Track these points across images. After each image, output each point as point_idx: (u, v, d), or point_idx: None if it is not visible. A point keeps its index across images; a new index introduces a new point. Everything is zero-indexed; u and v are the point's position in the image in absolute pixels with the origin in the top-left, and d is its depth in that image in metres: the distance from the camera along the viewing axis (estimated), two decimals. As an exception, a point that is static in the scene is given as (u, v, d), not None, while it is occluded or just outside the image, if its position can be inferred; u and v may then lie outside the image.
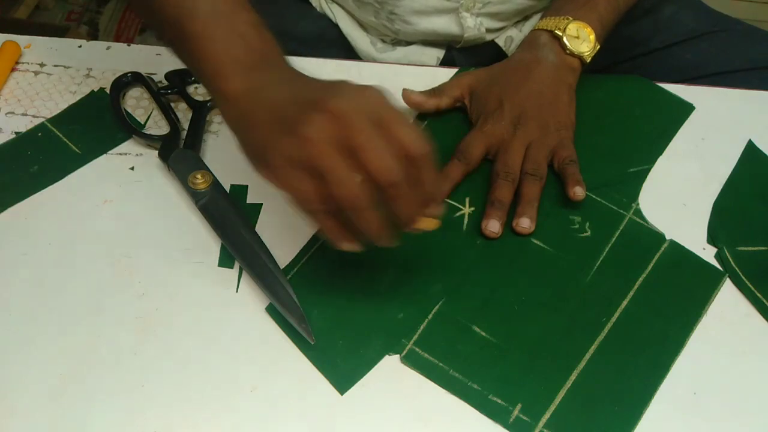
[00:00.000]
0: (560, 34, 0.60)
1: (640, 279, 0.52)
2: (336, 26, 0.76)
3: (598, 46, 0.61)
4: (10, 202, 0.56)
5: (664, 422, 0.45)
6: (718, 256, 0.53)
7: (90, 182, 0.57)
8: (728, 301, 0.51)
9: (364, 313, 0.50)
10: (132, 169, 0.58)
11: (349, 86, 0.40)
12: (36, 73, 0.66)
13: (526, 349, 0.48)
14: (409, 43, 0.75)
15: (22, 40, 0.67)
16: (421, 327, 0.49)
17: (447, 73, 0.64)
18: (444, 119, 0.61)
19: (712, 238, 0.54)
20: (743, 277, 0.51)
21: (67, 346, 0.48)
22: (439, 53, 0.75)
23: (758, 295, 0.51)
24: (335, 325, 0.49)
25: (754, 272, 0.52)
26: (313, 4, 0.78)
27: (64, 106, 0.63)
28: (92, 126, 0.61)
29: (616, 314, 0.50)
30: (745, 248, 0.53)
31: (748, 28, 0.73)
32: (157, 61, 0.65)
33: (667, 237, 0.54)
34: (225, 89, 0.43)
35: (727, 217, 0.55)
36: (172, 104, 0.62)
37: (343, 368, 0.47)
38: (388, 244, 0.41)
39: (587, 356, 0.48)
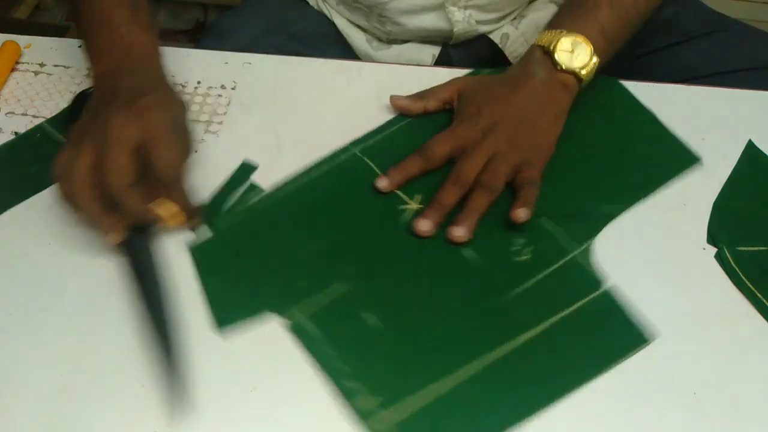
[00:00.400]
0: (551, 49, 0.58)
1: (557, 317, 0.49)
2: (333, 24, 0.76)
3: (596, 59, 0.58)
4: (10, 203, 0.56)
5: (664, 422, 0.45)
6: (718, 256, 0.53)
7: (90, 182, 0.57)
8: (728, 301, 0.51)
9: (269, 268, 0.52)
10: (132, 169, 0.58)
11: (160, 102, 0.51)
12: (36, 73, 0.66)
13: (411, 348, 0.48)
14: (404, 41, 0.75)
15: (22, 40, 0.67)
16: (317, 300, 0.50)
17: (448, 73, 0.64)
18: (428, 119, 0.61)
19: (712, 238, 0.54)
20: (743, 277, 0.51)
21: (67, 347, 0.48)
22: (435, 50, 0.75)
23: (758, 295, 0.51)
24: (240, 269, 0.51)
25: (754, 272, 0.52)
26: (311, 3, 0.78)
27: (64, 106, 0.63)
28: (92, 126, 0.61)
29: (516, 342, 0.48)
30: (745, 248, 0.53)
31: (748, 28, 0.73)
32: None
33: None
34: (95, 67, 0.57)
35: (727, 217, 0.55)
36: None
37: (229, 307, 0.49)
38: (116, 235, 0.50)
39: (466, 372, 0.47)
